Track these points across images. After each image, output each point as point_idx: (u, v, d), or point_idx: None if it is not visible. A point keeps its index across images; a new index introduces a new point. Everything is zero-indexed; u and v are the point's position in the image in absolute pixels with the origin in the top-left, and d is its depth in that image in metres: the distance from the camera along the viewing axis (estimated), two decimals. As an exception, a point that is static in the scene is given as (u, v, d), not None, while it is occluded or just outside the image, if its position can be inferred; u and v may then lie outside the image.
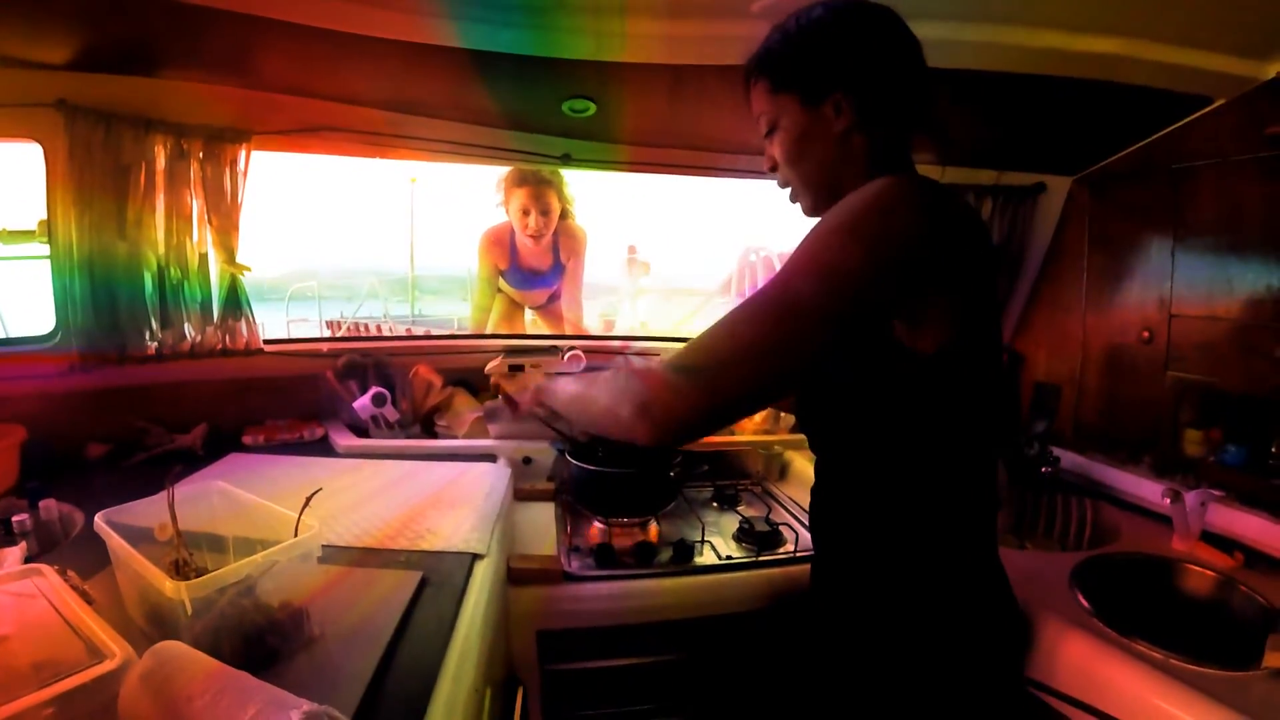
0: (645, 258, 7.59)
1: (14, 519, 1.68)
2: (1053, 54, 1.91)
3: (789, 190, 1.37)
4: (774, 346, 1.04)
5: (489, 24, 1.85)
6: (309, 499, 1.28)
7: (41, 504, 1.78)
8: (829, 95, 1.23)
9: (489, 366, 2.69)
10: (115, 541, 1.20)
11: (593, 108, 2.33)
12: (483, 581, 1.53)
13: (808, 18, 1.27)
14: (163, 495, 1.30)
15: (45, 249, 2.19)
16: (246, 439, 2.43)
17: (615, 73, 2.04)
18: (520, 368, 2.67)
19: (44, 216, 2.17)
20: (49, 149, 2.10)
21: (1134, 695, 1.43)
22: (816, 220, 1.11)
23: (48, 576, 1.18)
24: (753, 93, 1.35)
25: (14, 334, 2.80)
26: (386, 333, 6.44)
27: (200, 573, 1.11)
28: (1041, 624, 1.65)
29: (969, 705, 1.27)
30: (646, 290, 7.59)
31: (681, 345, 1.16)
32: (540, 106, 2.41)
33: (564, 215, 3.72)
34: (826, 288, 1.03)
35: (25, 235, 2.22)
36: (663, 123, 2.57)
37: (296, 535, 1.23)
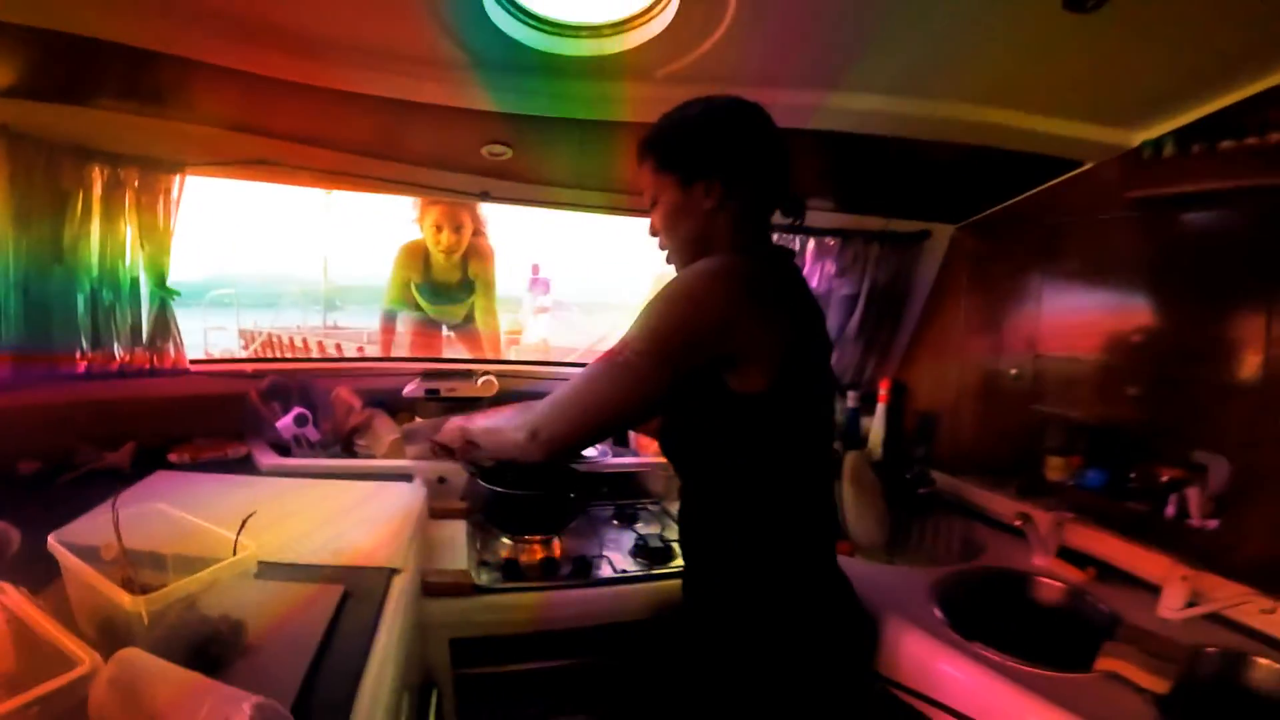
0: (546, 276, 7.91)
1: None
2: (944, 122, 2.14)
3: (666, 252, 1.66)
4: (613, 395, 1.43)
5: (415, 78, 2.03)
6: (244, 521, 1.45)
7: None
8: (700, 179, 1.52)
9: (406, 390, 2.86)
10: (70, 560, 1.32)
11: (510, 152, 2.50)
12: (400, 594, 1.68)
13: (689, 111, 1.57)
14: (99, 513, 1.44)
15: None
16: (173, 457, 2.50)
17: (532, 122, 2.22)
18: (436, 391, 2.85)
19: None
20: None
21: (970, 691, 1.67)
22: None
23: (9, 593, 1.24)
24: (642, 169, 1.63)
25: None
26: (299, 343, 6.55)
27: (146, 589, 1.24)
28: (893, 628, 1.89)
29: (814, 695, 1.54)
30: (548, 308, 7.88)
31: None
32: (461, 149, 2.55)
33: (476, 233, 3.94)
34: (646, 350, 1.40)
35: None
36: (572, 165, 2.74)
37: (235, 554, 1.39)
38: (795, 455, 1.53)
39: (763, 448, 1.49)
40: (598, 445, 2.93)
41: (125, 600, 1.20)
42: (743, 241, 1.56)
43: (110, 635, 1.24)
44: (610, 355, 1.44)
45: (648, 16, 1.86)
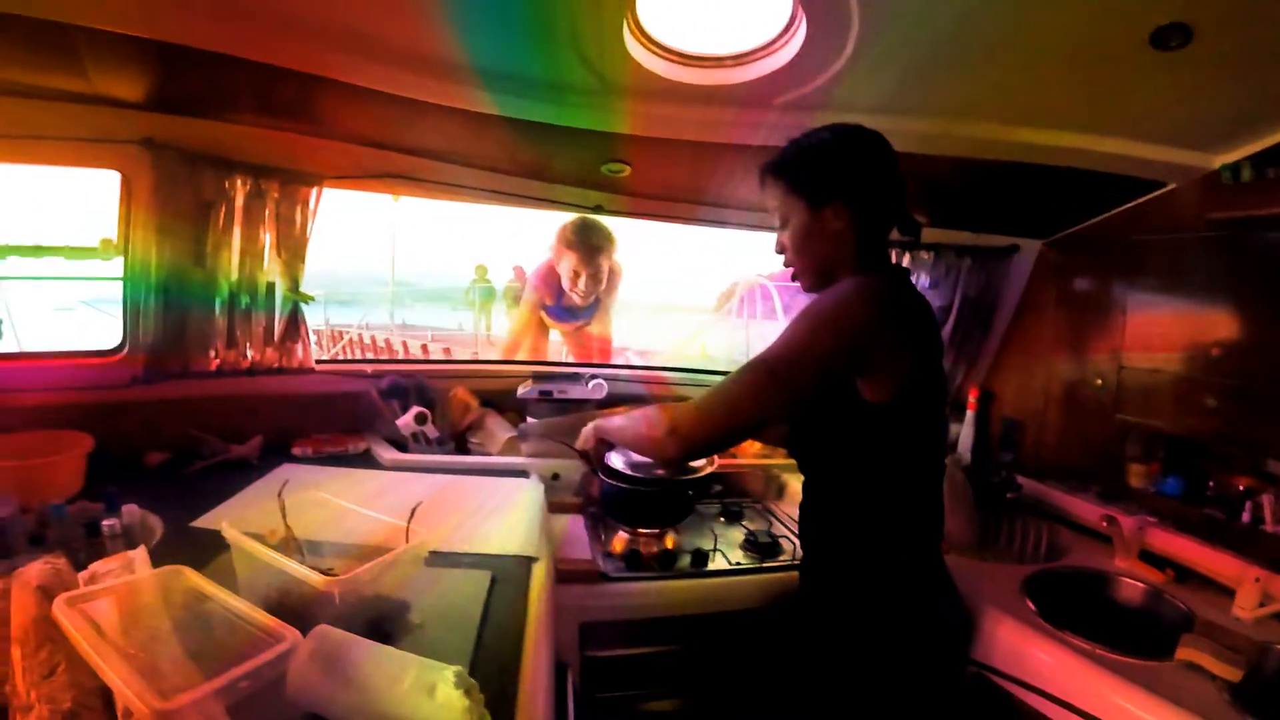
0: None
1: (104, 523, 1.73)
2: (1030, 147, 2.19)
3: (792, 270, 1.71)
4: (758, 398, 1.47)
5: (549, 102, 2.08)
6: (414, 510, 1.52)
7: (125, 508, 1.82)
8: (830, 202, 1.57)
9: (520, 391, 2.90)
10: (249, 544, 1.37)
11: (627, 169, 2.56)
12: (539, 580, 1.74)
13: (818, 138, 1.62)
14: (240, 501, 1.65)
15: (105, 265, 2.30)
16: (296, 450, 2.57)
17: (650, 142, 2.27)
18: (549, 393, 2.90)
19: (107, 235, 2.28)
20: (133, 180, 2.25)
21: (1060, 674, 1.78)
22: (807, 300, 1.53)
23: (189, 575, 1.28)
24: (768, 189, 1.68)
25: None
26: (368, 340, 6.63)
27: (328, 572, 1.31)
28: (989, 618, 1.98)
29: (917, 676, 1.61)
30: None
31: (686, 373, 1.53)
32: (583, 166, 2.62)
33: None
34: (795, 360, 1.46)
35: (88, 251, 2.30)
36: (685, 182, 2.78)
37: (408, 541, 1.45)
38: (913, 459, 1.60)
39: (885, 452, 1.55)
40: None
41: (318, 581, 1.24)
42: (867, 260, 1.61)
43: (287, 613, 1.25)
44: (757, 363, 1.49)
45: (771, 50, 1.93)
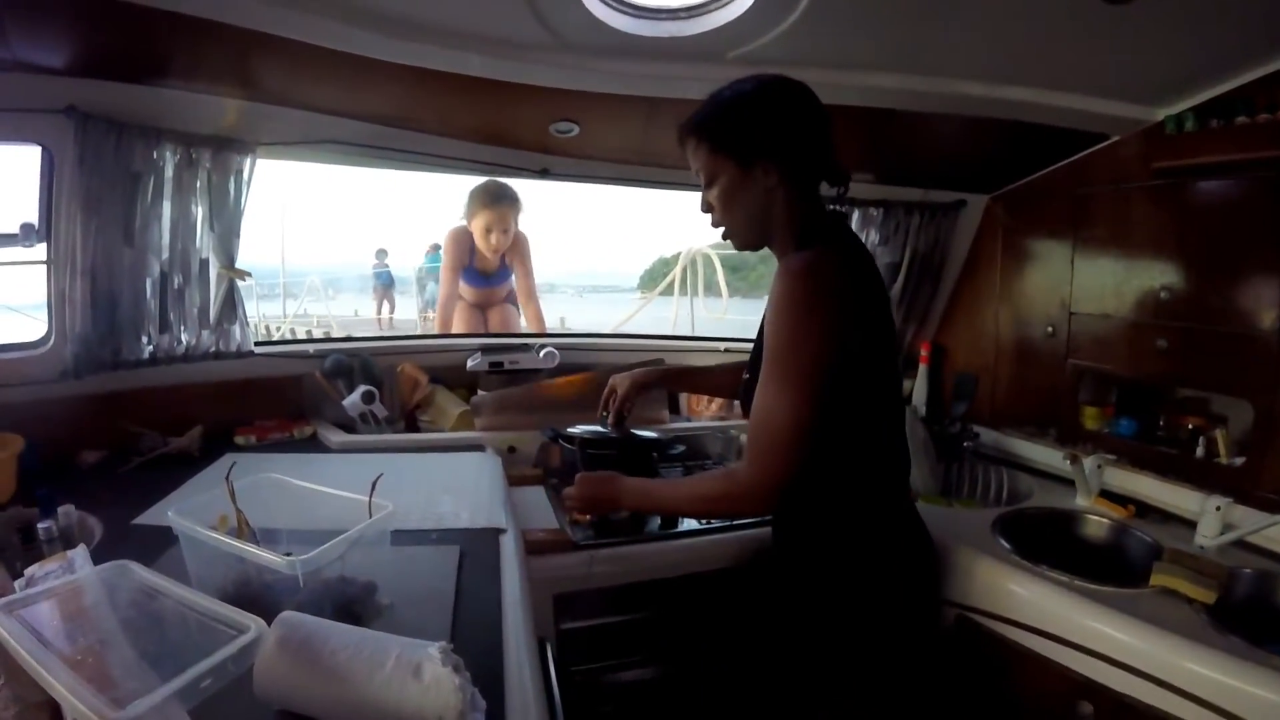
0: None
1: (40, 526, 1.56)
2: (977, 100, 2.19)
3: (721, 229, 1.63)
4: (793, 417, 1.38)
5: (500, 58, 1.98)
6: (374, 482, 1.38)
7: (60, 509, 1.64)
8: (759, 160, 1.49)
9: (470, 364, 2.82)
10: (200, 532, 1.23)
11: (576, 129, 2.47)
12: (509, 552, 1.65)
13: (740, 90, 1.54)
14: (186, 491, 1.58)
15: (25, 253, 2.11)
16: (238, 439, 2.42)
17: (601, 100, 2.19)
18: (500, 364, 2.80)
19: (27, 220, 2.09)
20: (57, 154, 2.06)
21: (1041, 607, 1.81)
22: (775, 288, 1.43)
23: (135, 571, 1.14)
24: (692, 149, 1.60)
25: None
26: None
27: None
28: (966, 559, 2.00)
29: (897, 622, 1.58)
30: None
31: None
32: (531, 127, 2.53)
33: None
34: (798, 364, 1.39)
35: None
36: (637, 142, 2.69)
37: (371, 516, 1.31)
38: (877, 407, 1.55)
39: (851, 404, 1.48)
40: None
41: (280, 563, 1.13)
42: (801, 215, 1.57)
43: (246, 603, 1.10)
44: (769, 399, 1.42)
45: (725, 1, 1.89)
